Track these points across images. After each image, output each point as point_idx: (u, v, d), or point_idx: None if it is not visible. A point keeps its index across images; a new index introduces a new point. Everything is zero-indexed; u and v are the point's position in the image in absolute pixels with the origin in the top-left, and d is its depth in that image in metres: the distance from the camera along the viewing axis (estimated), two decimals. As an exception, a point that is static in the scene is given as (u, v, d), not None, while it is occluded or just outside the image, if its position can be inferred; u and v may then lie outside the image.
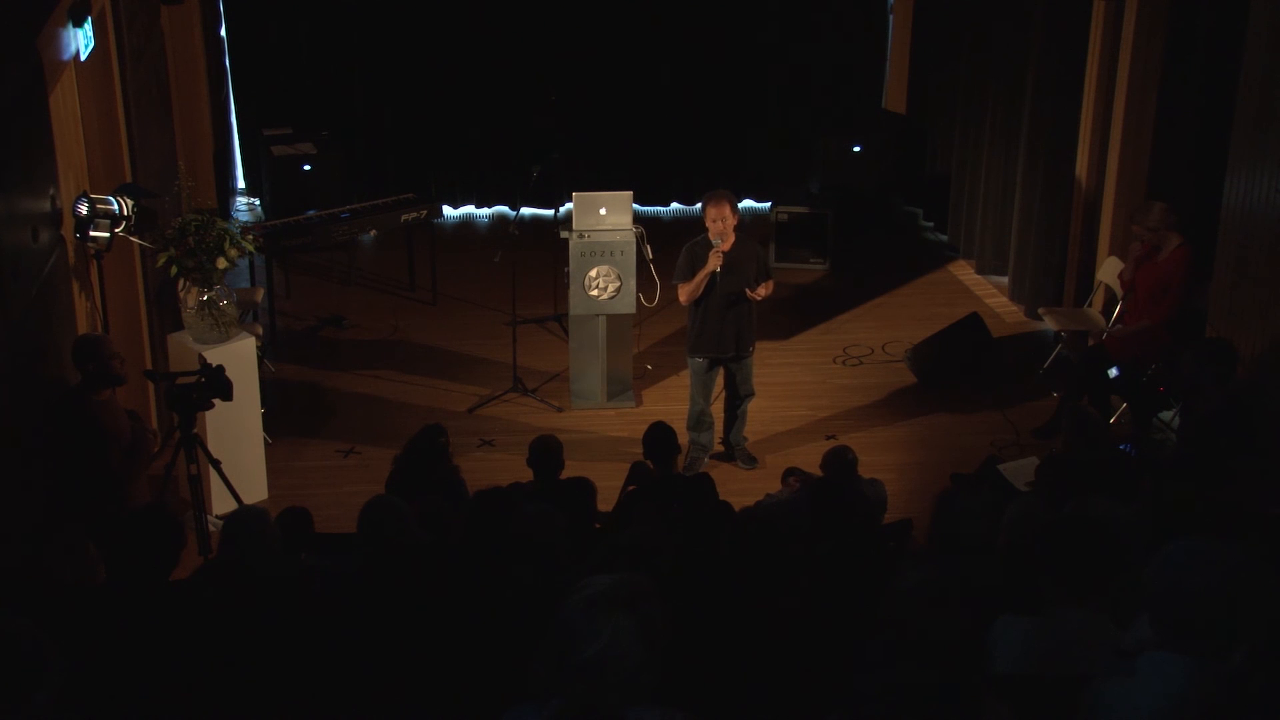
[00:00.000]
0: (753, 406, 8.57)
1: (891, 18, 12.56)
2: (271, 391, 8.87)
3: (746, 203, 12.78)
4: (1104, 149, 9.49)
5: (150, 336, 8.31)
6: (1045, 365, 9.50)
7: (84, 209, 6.86)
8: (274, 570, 4.97)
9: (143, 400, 8.01)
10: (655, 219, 12.46)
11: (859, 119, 12.44)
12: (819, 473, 6.86)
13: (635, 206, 9.29)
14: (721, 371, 8.42)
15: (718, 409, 8.57)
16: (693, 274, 8.08)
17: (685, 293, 8.15)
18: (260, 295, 10.04)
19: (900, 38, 12.51)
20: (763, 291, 8.13)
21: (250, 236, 8.13)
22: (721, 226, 7.99)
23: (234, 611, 4.58)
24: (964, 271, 11.47)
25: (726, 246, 8.01)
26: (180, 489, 7.20)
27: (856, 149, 12.02)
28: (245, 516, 5.17)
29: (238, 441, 7.76)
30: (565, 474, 6.68)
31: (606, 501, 6.88)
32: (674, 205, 12.86)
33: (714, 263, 7.98)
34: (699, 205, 12.58)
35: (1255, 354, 7.07)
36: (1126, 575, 3.92)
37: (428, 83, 12.22)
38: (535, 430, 7.50)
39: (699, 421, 8.40)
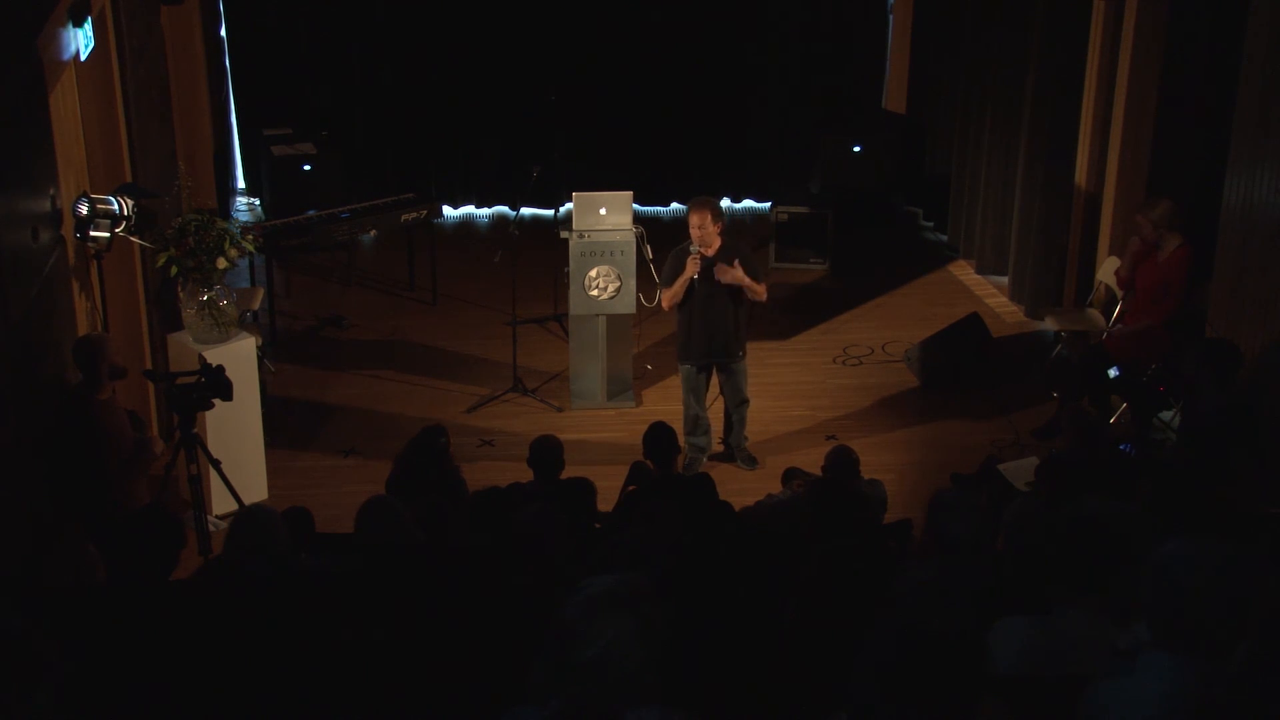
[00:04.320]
0: (753, 406, 8.57)
1: (891, 18, 12.55)
2: (271, 391, 8.86)
3: (746, 203, 12.79)
4: (1104, 149, 9.48)
5: (150, 336, 8.31)
6: (1045, 365, 9.49)
7: (84, 209, 6.86)
8: (278, 570, 4.97)
9: (143, 400, 8.01)
10: (655, 219, 12.44)
11: (859, 119, 12.43)
12: (820, 473, 6.86)
13: (635, 206, 9.29)
14: (716, 375, 8.43)
15: (716, 410, 8.57)
16: (674, 280, 8.12)
17: (666, 298, 8.23)
18: (260, 297, 10.00)
19: (900, 38, 12.50)
20: (746, 281, 8.02)
21: (250, 236, 8.12)
22: (700, 233, 8.03)
23: (234, 611, 4.58)
24: (964, 271, 11.47)
25: (710, 252, 8.03)
26: (180, 489, 7.21)
27: (856, 149, 12.01)
28: (255, 515, 5.15)
29: (238, 441, 7.75)
30: (565, 474, 6.68)
31: (606, 501, 6.88)
32: (674, 205, 12.85)
33: (692, 268, 8.03)
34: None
35: (1255, 354, 7.07)
36: (1126, 575, 3.92)
37: (428, 82, 12.21)
38: (535, 430, 7.49)
39: (695, 426, 8.40)
